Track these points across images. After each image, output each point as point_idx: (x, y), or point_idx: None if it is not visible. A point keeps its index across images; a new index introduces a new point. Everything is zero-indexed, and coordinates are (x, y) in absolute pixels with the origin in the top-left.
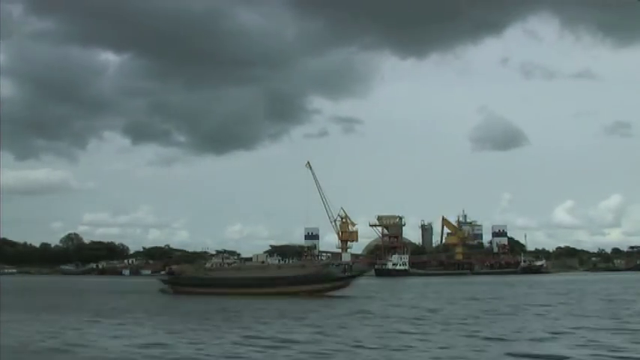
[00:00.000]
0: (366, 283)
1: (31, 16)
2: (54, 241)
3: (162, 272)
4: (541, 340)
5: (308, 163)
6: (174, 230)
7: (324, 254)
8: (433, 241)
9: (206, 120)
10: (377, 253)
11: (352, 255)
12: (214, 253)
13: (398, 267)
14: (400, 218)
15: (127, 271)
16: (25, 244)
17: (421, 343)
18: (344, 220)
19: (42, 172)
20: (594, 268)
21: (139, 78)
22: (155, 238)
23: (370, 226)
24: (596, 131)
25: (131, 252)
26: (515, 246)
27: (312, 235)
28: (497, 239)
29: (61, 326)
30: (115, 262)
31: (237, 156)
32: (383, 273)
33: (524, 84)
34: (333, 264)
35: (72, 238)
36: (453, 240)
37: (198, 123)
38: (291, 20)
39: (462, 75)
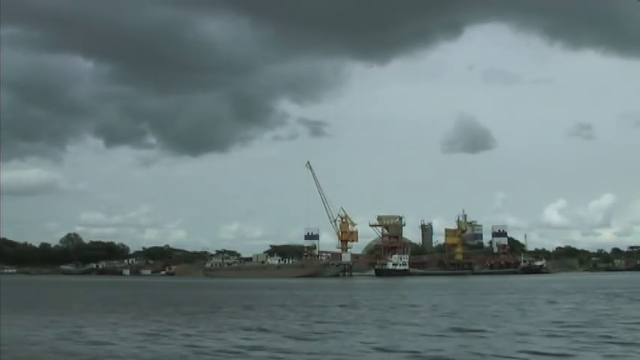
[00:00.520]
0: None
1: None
2: (51, 241)
3: (163, 272)
4: None
5: (308, 163)
6: (170, 230)
7: (324, 254)
8: (433, 241)
9: (179, 123)
10: (377, 253)
11: (352, 255)
12: (214, 253)
13: (398, 267)
14: (400, 218)
15: (127, 271)
16: (25, 244)
17: None
18: (344, 220)
19: (32, 172)
20: (594, 269)
21: (113, 83)
22: (151, 238)
23: (370, 226)
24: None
25: (131, 252)
26: (515, 246)
27: (311, 235)
28: (497, 239)
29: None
30: (114, 262)
31: (210, 158)
32: (383, 273)
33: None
34: (332, 264)
35: (72, 238)
36: (453, 240)
37: (170, 126)
38: (250, 28)
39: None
